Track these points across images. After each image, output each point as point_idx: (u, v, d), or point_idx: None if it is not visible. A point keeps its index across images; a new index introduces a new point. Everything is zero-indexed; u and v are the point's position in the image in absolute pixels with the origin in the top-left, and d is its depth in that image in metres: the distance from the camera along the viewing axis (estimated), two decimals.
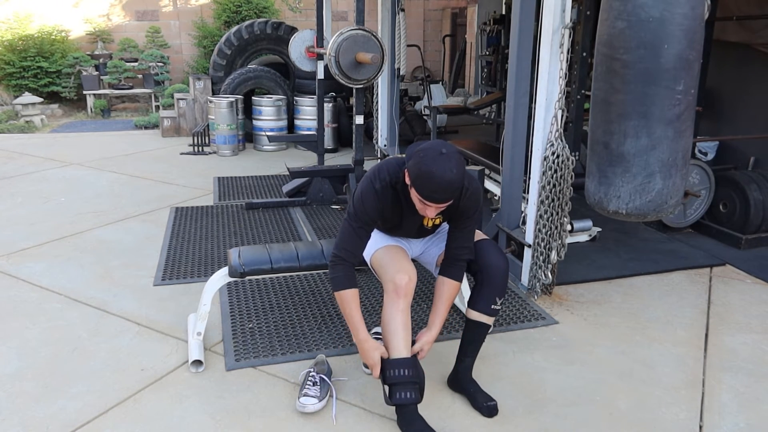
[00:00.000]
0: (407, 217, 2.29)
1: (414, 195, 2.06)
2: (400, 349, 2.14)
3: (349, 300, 2.19)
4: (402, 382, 2.11)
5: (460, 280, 2.32)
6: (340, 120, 7.22)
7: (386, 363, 2.15)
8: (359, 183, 2.24)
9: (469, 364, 2.38)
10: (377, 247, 2.38)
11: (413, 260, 2.55)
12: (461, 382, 2.38)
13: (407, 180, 2.07)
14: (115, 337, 2.80)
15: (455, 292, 2.31)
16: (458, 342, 2.43)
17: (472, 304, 2.32)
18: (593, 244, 3.63)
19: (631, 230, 4.29)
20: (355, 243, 2.20)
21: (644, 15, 2.12)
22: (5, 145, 7.07)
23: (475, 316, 2.32)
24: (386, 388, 2.15)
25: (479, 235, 2.41)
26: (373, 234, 2.43)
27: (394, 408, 2.23)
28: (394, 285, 2.19)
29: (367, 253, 2.41)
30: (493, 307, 2.29)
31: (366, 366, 2.55)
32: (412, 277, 2.21)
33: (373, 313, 3.04)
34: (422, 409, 2.29)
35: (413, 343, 2.25)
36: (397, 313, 2.17)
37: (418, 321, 2.98)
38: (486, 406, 2.27)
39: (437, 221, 2.35)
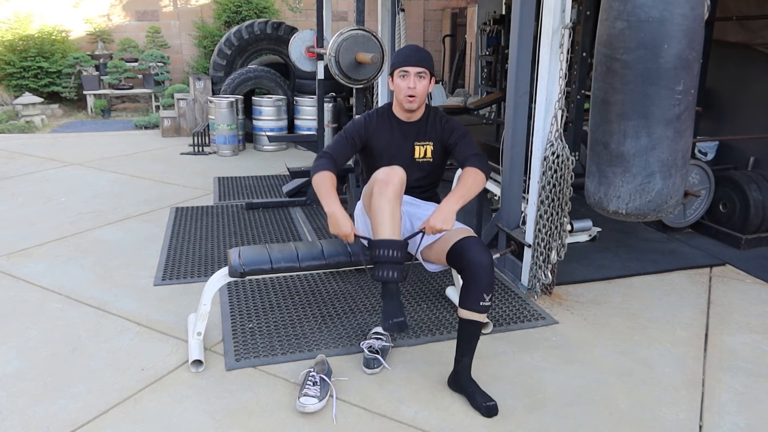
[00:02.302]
0: (394, 138, 2.56)
1: (396, 78, 2.46)
2: (387, 233, 2.22)
3: (325, 178, 2.40)
4: (387, 261, 2.21)
5: (483, 170, 2.42)
6: (340, 120, 7.21)
7: (374, 243, 2.25)
8: None
9: (466, 363, 2.38)
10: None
11: (413, 259, 2.56)
12: (460, 382, 2.38)
13: (390, 83, 2.50)
14: (115, 337, 2.80)
15: (479, 177, 2.39)
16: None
17: (461, 303, 2.32)
18: (593, 244, 3.63)
19: (631, 230, 4.29)
20: (342, 146, 2.52)
21: (644, 15, 2.12)
22: (5, 145, 7.07)
23: (466, 314, 2.31)
24: (372, 266, 2.26)
25: (464, 232, 2.40)
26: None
27: (394, 408, 2.24)
28: (380, 175, 2.30)
29: (361, 202, 2.58)
30: (482, 303, 2.28)
31: (367, 366, 2.54)
32: (401, 176, 2.31)
33: (373, 313, 3.04)
34: (423, 408, 2.30)
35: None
36: (384, 201, 2.25)
37: (418, 321, 2.98)
38: (485, 406, 2.27)
39: (429, 151, 2.58)
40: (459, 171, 2.63)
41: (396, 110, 2.59)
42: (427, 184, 2.68)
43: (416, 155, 2.57)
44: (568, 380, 2.53)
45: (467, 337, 2.36)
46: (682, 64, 2.14)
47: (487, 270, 2.28)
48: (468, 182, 2.38)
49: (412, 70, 2.42)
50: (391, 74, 2.50)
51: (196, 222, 4.40)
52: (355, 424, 2.24)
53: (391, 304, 2.27)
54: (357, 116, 2.68)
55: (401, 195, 2.32)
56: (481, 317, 2.32)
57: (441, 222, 2.26)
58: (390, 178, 2.27)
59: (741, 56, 4.77)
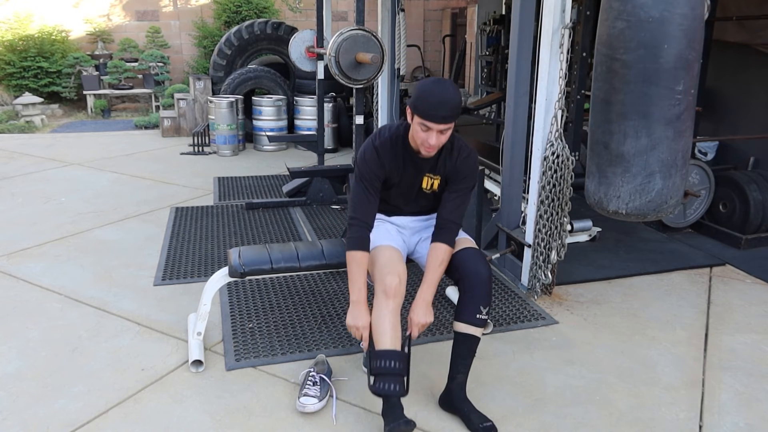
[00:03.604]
0: (407, 174, 2.34)
1: (416, 123, 2.14)
2: (388, 344, 2.14)
3: (357, 261, 2.25)
4: (387, 373, 2.12)
5: (452, 245, 2.30)
6: (340, 120, 7.22)
7: (374, 354, 2.16)
8: (362, 144, 2.34)
9: (461, 381, 2.30)
10: (373, 245, 2.36)
11: (409, 260, 2.55)
12: (455, 401, 2.29)
13: (408, 116, 2.18)
14: (115, 337, 2.80)
15: (446, 255, 2.28)
16: None
17: (457, 315, 2.27)
18: (593, 244, 3.63)
19: (631, 230, 4.29)
20: (366, 204, 2.30)
21: (644, 15, 2.12)
22: (5, 145, 7.07)
23: (462, 327, 2.25)
24: (371, 378, 2.15)
25: (464, 242, 2.37)
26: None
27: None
28: (383, 286, 2.19)
29: None
30: (478, 316, 2.23)
31: (366, 367, 2.54)
32: (402, 279, 2.21)
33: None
34: (423, 408, 2.29)
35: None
36: (386, 313, 2.16)
37: None
38: (482, 428, 2.18)
39: (436, 184, 2.37)
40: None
41: (412, 142, 2.26)
42: (428, 209, 2.54)
43: (424, 186, 2.39)
44: (568, 380, 2.53)
45: (462, 352, 2.28)
46: (682, 64, 2.14)
47: (485, 282, 2.23)
48: (439, 266, 2.27)
49: (436, 127, 2.11)
50: (412, 111, 2.15)
51: (196, 222, 4.40)
52: (355, 424, 2.24)
53: (393, 413, 2.11)
54: (366, 148, 2.30)
55: (401, 300, 2.23)
56: (478, 331, 2.26)
57: (423, 316, 2.21)
58: (394, 292, 2.18)
59: (741, 56, 4.76)
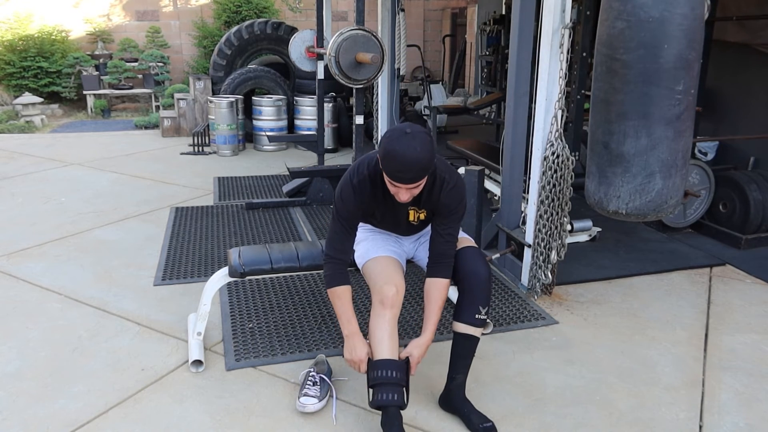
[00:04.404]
0: (390, 211, 2.26)
1: (385, 178, 2.05)
2: (386, 354, 2.11)
3: (340, 295, 2.20)
4: (386, 382, 2.08)
5: (449, 277, 2.24)
6: (340, 120, 7.22)
7: (372, 364, 2.13)
8: (341, 179, 2.23)
9: (461, 381, 2.29)
10: (370, 256, 2.34)
11: (410, 261, 2.54)
12: (454, 402, 2.29)
13: (380, 163, 2.06)
14: (115, 337, 2.80)
15: (445, 291, 2.25)
16: None
17: (456, 315, 2.26)
18: (593, 244, 3.63)
19: (631, 230, 4.29)
20: (343, 240, 2.23)
21: (644, 15, 2.12)
22: (5, 145, 7.07)
23: (461, 328, 2.24)
24: (370, 391, 2.12)
25: (464, 241, 2.35)
26: (367, 238, 2.40)
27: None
28: (380, 296, 2.17)
29: (360, 261, 2.38)
30: (477, 316, 2.21)
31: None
32: (399, 289, 2.18)
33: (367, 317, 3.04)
34: (423, 407, 2.30)
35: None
36: (383, 323, 2.14)
37: (412, 322, 2.98)
38: (482, 428, 2.18)
39: (422, 216, 2.30)
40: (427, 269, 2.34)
41: None
42: (422, 229, 2.49)
43: (411, 218, 2.32)
44: (568, 380, 2.53)
45: (462, 352, 2.27)
46: (682, 64, 2.14)
47: (484, 282, 2.21)
48: (441, 307, 2.23)
49: (404, 186, 2.01)
50: (381, 164, 2.03)
51: (196, 222, 4.40)
52: (354, 424, 2.24)
53: (391, 426, 2.07)
54: (343, 186, 2.19)
55: (398, 310, 2.21)
56: (477, 332, 2.24)
57: (421, 356, 2.19)
58: (391, 302, 2.16)
59: (741, 56, 4.76)
